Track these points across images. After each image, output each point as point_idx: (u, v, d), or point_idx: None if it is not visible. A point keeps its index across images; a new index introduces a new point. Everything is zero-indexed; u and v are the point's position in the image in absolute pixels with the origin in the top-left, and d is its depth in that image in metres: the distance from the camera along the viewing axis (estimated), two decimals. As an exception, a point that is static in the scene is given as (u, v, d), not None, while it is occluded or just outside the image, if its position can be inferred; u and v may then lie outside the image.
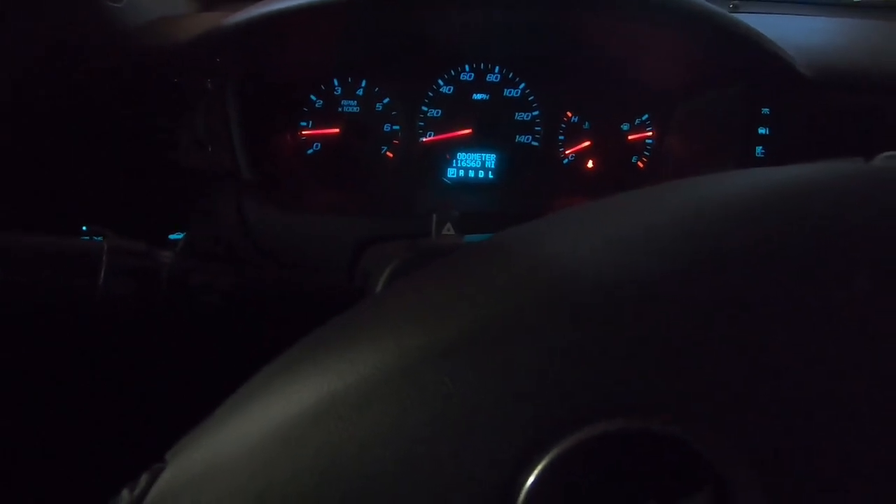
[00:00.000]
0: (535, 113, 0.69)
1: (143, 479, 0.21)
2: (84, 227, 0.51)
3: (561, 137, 0.69)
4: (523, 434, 0.17)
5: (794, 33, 0.68)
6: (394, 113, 0.68)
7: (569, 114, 0.69)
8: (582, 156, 0.70)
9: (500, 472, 0.17)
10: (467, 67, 0.67)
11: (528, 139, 0.69)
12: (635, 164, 0.70)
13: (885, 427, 0.18)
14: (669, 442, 0.17)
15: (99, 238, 0.49)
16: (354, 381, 0.20)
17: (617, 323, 0.19)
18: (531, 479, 0.17)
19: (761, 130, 0.58)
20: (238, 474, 0.19)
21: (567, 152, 0.70)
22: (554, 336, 0.19)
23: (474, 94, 0.68)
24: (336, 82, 0.66)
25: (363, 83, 0.66)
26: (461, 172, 0.70)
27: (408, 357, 0.20)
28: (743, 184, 0.23)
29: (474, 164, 0.70)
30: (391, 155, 0.69)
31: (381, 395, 0.19)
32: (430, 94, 0.67)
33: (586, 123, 0.69)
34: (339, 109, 0.67)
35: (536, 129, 0.69)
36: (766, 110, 0.58)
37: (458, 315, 0.21)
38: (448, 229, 0.48)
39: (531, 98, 0.68)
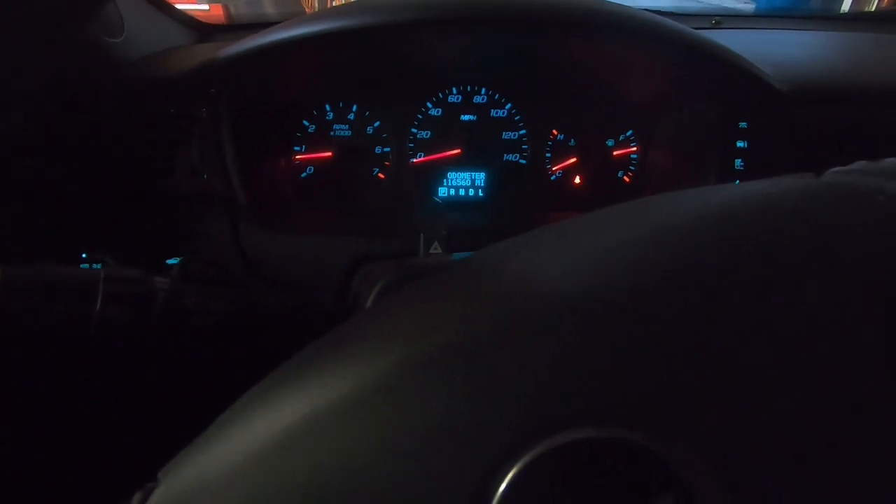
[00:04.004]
0: (522, 132, 0.70)
1: (137, 497, 0.22)
2: (84, 255, 0.53)
3: (548, 155, 0.71)
4: (496, 443, 0.18)
5: (775, 48, 0.70)
6: (384, 135, 0.69)
7: (555, 132, 0.70)
8: (569, 172, 0.72)
9: (474, 479, 0.18)
10: (455, 90, 0.69)
11: (515, 157, 0.71)
12: (621, 178, 0.72)
13: (848, 432, 0.19)
14: (635, 449, 0.18)
15: (98, 265, 0.51)
16: (334, 399, 0.21)
17: (584, 337, 0.20)
18: (503, 486, 0.18)
19: (740, 143, 0.60)
20: (227, 492, 0.20)
21: (554, 169, 0.71)
22: (524, 350, 0.20)
23: (462, 116, 0.70)
24: (328, 107, 0.68)
25: (354, 108, 0.68)
26: (452, 191, 0.72)
27: (384, 374, 0.21)
28: (700, 202, 0.25)
29: (464, 183, 0.71)
30: (383, 176, 0.71)
31: (361, 411, 0.20)
32: (420, 116, 0.69)
33: (572, 141, 0.70)
34: (332, 133, 0.69)
35: (524, 147, 0.71)
36: (743, 124, 0.59)
37: (432, 332, 0.22)
38: (436, 247, 0.49)
39: (517, 118, 0.70)
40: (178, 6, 0.71)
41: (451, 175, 0.71)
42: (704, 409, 0.19)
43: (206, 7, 1.54)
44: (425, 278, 0.27)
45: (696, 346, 0.20)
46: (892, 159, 0.25)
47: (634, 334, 0.20)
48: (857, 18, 0.96)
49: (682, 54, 0.57)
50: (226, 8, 1.52)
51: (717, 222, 0.23)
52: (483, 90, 0.69)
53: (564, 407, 0.19)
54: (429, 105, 0.69)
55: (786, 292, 0.20)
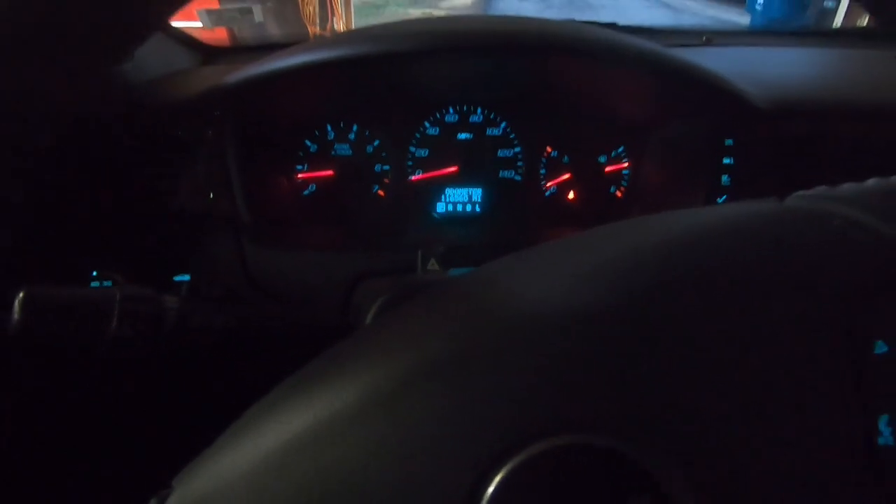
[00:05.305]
0: (517, 149, 0.72)
1: (152, 502, 0.23)
2: (94, 272, 0.55)
3: (542, 171, 0.73)
4: (483, 450, 0.20)
5: (762, 65, 0.72)
6: (384, 154, 0.71)
7: (548, 149, 0.72)
8: (563, 188, 0.74)
9: (463, 483, 0.20)
10: (451, 109, 0.71)
11: (511, 174, 0.73)
12: (613, 193, 0.74)
13: (808, 439, 0.21)
14: (611, 455, 0.20)
15: (108, 282, 0.53)
16: (337, 409, 0.23)
17: (563, 352, 0.22)
18: (490, 489, 0.20)
19: (726, 160, 0.62)
20: (237, 498, 0.22)
21: (548, 185, 0.74)
22: (508, 364, 0.22)
23: (459, 134, 0.72)
24: (329, 128, 0.70)
25: (354, 128, 0.70)
26: (450, 207, 0.74)
27: (381, 387, 0.23)
28: (666, 227, 0.27)
29: (462, 200, 0.74)
30: (382, 193, 0.73)
31: (360, 421, 0.22)
32: (418, 135, 0.71)
33: (565, 157, 0.73)
34: (333, 153, 0.71)
35: (518, 164, 0.73)
36: (729, 141, 0.61)
37: (425, 349, 0.24)
38: (433, 264, 0.51)
39: (512, 136, 0.72)
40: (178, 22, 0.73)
41: (448, 192, 0.73)
42: (677, 418, 0.21)
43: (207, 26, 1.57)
44: (421, 296, 0.29)
45: (668, 360, 0.22)
46: (849, 185, 0.27)
47: (607, 349, 0.22)
48: (848, 35, 0.98)
49: (661, 76, 0.59)
50: (230, 30, 1.56)
51: (681, 246, 0.25)
52: (479, 110, 0.71)
53: (545, 417, 0.21)
54: (426, 124, 0.71)
55: (745, 311, 0.22)
